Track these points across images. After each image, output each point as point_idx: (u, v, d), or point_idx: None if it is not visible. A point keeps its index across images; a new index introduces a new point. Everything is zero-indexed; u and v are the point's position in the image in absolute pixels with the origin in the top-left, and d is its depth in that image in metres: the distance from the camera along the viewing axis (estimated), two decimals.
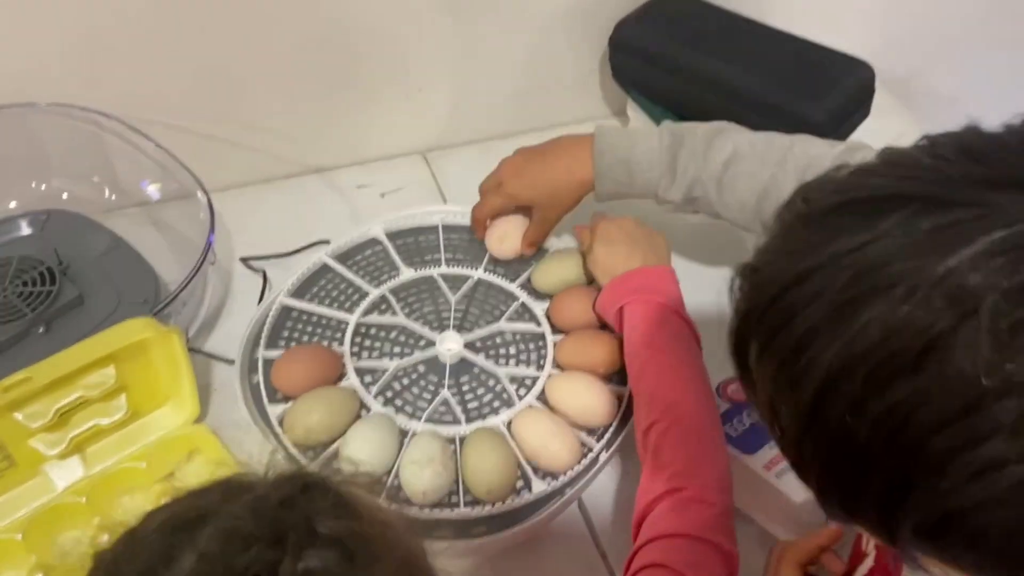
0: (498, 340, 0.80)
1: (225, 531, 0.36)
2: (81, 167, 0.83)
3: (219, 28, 0.85)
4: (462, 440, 0.71)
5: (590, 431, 0.73)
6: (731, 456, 0.68)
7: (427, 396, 0.75)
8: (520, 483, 0.70)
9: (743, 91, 0.89)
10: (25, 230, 0.80)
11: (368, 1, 0.89)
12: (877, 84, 0.91)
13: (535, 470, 0.71)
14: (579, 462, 0.71)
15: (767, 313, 0.36)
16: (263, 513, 0.37)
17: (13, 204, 0.81)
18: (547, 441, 0.70)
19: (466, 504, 0.68)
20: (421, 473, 0.67)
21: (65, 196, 0.83)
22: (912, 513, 0.33)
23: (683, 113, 0.94)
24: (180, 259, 0.80)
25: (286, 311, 0.80)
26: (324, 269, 0.83)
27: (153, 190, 0.84)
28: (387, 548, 0.39)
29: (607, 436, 0.73)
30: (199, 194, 0.79)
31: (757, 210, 0.74)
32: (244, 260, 0.89)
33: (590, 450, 0.72)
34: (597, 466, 0.72)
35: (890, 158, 0.37)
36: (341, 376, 0.75)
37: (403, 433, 0.71)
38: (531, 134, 1.06)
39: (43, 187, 0.82)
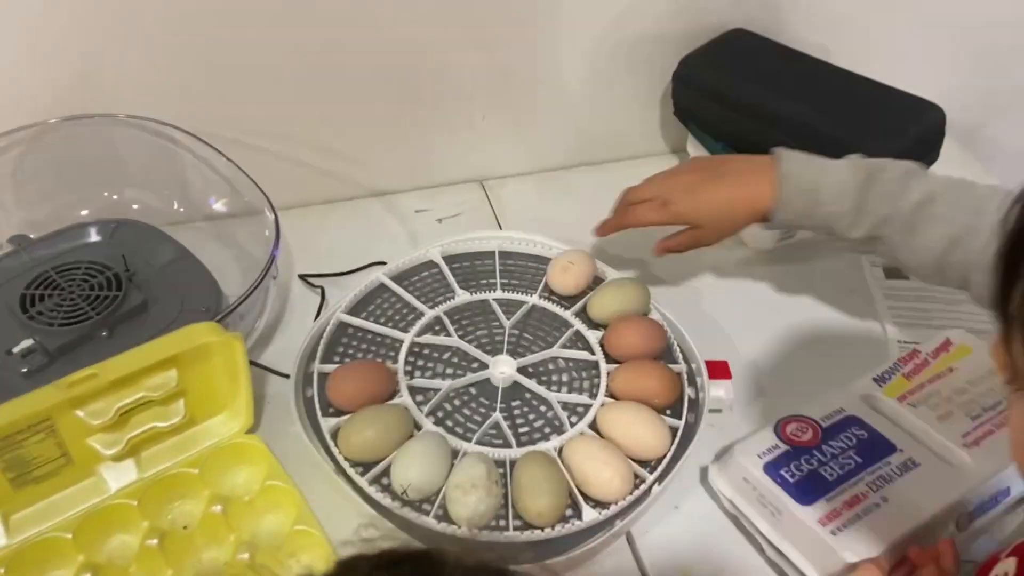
0: (551, 367, 0.80)
1: None
2: (153, 179, 0.85)
3: (298, 53, 0.87)
4: (512, 463, 0.71)
5: (642, 463, 0.72)
6: (783, 504, 0.66)
7: (478, 418, 0.75)
8: (570, 511, 0.69)
9: (807, 128, 0.88)
10: (94, 237, 0.82)
11: (437, 29, 0.91)
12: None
13: (585, 498, 0.70)
14: (631, 493, 0.69)
15: None
16: None
17: (85, 212, 0.84)
18: (599, 468, 0.69)
19: (515, 528, 0.67)
20: (465, 499, 0.66)
21: (136, 207, 0.85)
22: None
23: (744, 150, 0.94)
24: (243, 273, 0.81)
25: (342, 327, 0.80)
26: (381, 288, 0.84)
27: (221, 205, 0.86)
28: None
29: (660, 468, 0.72)
30: (266, 211, 0.81)
31: (942, 259, 0.70)
32: (303, 277, 0.90)
33: (642, 481, 0.71)
34: (649, 498, 0.71)
35: None
36: (394, 393, 0.75)
37: (454, 453, 0.71)
38: (589, 168, 1.08)
39: (115, 197, 0.85)
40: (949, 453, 0.69)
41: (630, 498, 0.69)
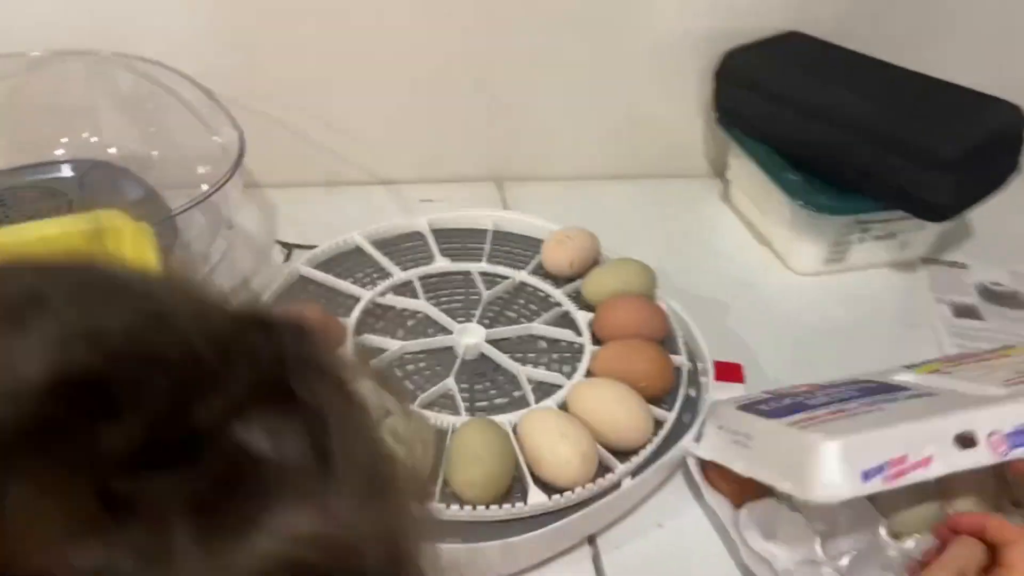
0: (527, 344, 0.68)
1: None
2: (133, 122, 0.81)
3: (319, 23, 0.83)
4: (454, 432, 0.59)
5: (616, 453, 0.59)
6: (752, 427, 0.54)
7: (428, 385, 0.63)
8: (517, 499, 0.56)
9: (865, 122, 0.77)
10: (66, 172, 0.78)
11: (463, 16, 0.86)
12: None
13: (536, 480, 0.57)
14: (594, 481, 0.56)
15: None
16: (207, 328, 0.23)
17: (60, 151, 0.79)
18: (554, 443, 0.56)
19: (440, 500, 0.55)
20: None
21: (113, 151, 0.80)
22: None
23: (793, 153, 0.83)
24: (211, 227, 0.74)
25: (302, 282, 0.71)
26: (356, 251, 0.75)
27: (203, 155, 0.80)
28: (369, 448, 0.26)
29: (636, 460, 0.58)
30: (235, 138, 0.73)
31: None
32: (280, 242, 0.82)
33: (611, 471, 0.57)
34: (618, 494, 0.57)
35: None
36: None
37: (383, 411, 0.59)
38: (617, 181, 0.98)
39: (94, 139, 0.80)
40: (981, 390, 0.55)
41: (592, 487, 0.56)
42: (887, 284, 0.87)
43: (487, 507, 0.54)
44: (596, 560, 0.59)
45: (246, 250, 0.81)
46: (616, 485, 0.57)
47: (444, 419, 0.59)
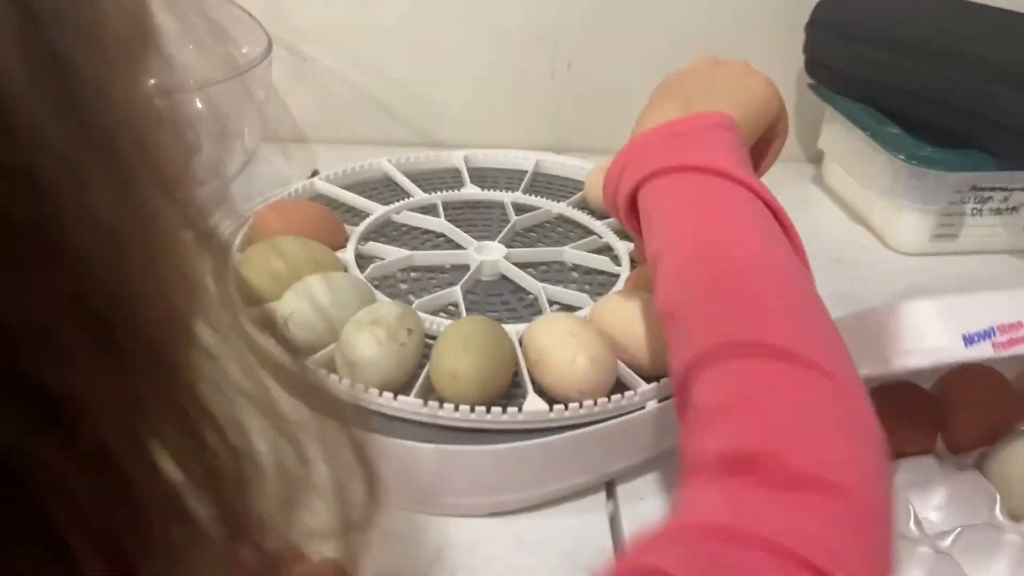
0: (555, 267, 0.59)
1: None
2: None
3: None
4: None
5: (638, 371, 0.48)
6: None
7: (428, 294, 0.54)
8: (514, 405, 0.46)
9: (980, 56, 0.66)
10: None
11: None
12: None
13: (538, 389, 0.46)
14: (609, 398, 0.45)
15: None
16: None
17: None
18: (561, 342, 0.46)
19: (418, 395, 0.45)
20: (356, 338, 0.45)
21: None
22: None
23: (895, 105, 0.72)
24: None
25: (317, 198, 0.65)
26: (384, 179, 0.68)
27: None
28: None
29: (666, 383, 0.47)
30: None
31: None
32: (315, 173, 0.76)
33: (631, 391, 0.46)
34: (639, 417, 0.46)
35: None
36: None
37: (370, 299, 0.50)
38: None
39: None
40: None
41: (606, 404, 0.45)
42: (1009, 271, 0.73)
43: (472, 409, 0.44)
44: (614, 514, 0.47)
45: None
46: (638, 408, 0.46)
47: (438, 322, 0.50)
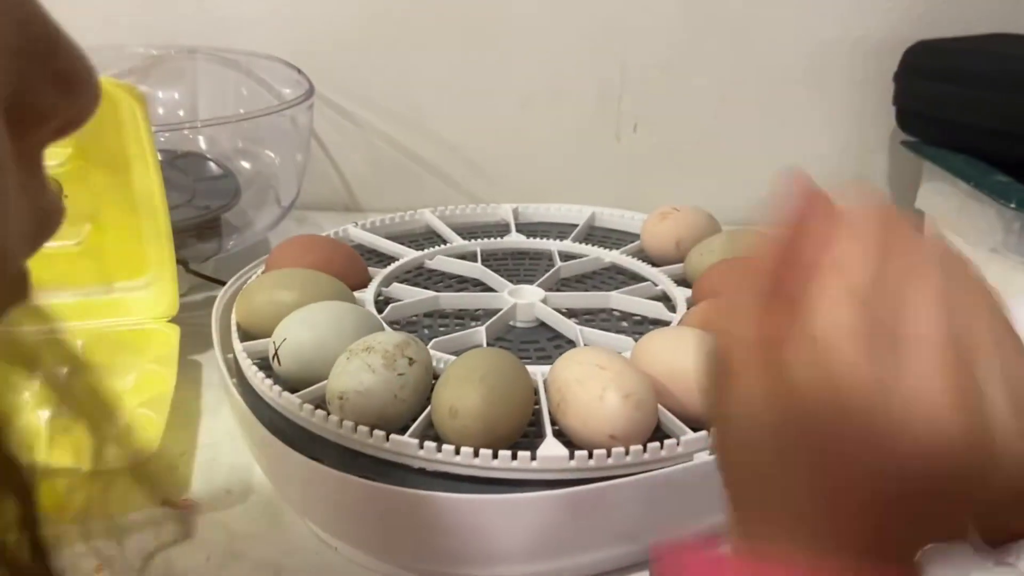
0: (601, 315, 0.51)
1: None
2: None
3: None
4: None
5: (684, 417, 0.40)
6: None
7: (448, 333, 0.48)
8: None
9: None
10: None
11: (594, 36, 0.77)
12: None
13: (556, 430, 0.38)
14: (643, 445, 0.37)
15: None
16: None
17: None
18: (588, 376, 0.38)
19: (415, 434, 0.38)
20: (347, 365, 0.39)
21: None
22: None
23: (1002, 150, 0.63)
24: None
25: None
26: (425, 229, 0.63)
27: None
28: None
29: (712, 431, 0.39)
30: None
31: None
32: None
33: (673, 439, 0.38)
34: (677, 467, 0.37)
35: None
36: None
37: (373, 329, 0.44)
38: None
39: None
40: None
41: (641, 453, 0.37)
42: None
43: (475, 453, 0.36)
44: None
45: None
46: (683, 460, 0.38)
47: (446, 357, 0.43)
